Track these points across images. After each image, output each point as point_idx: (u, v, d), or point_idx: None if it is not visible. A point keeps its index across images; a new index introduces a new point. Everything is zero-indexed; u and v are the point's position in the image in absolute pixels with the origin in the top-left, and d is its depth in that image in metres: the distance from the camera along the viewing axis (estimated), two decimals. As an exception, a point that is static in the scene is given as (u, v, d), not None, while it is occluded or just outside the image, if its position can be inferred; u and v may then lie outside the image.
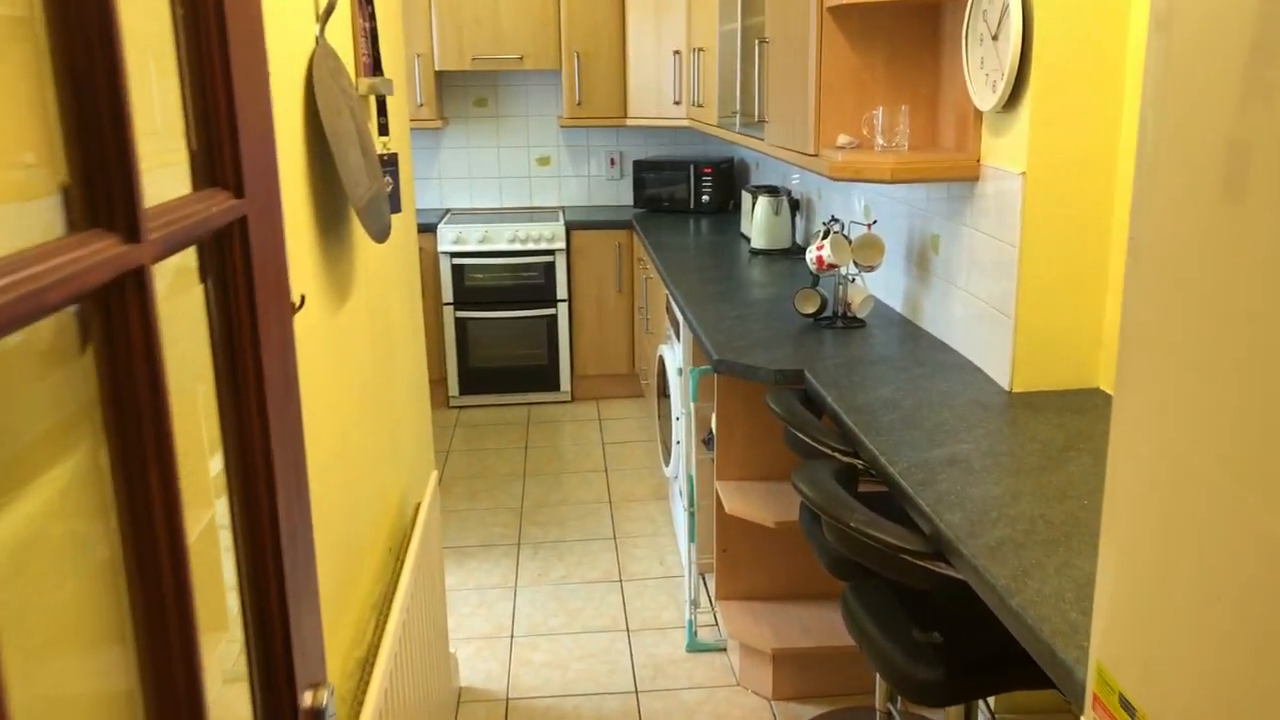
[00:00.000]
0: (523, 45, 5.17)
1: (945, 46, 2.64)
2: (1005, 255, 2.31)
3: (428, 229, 5.10)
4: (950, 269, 2.65)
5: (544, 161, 5.67)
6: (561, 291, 5.21)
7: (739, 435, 2.86)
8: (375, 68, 1.94)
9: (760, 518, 2.67)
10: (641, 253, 4.92)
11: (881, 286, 3.20)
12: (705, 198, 5.33)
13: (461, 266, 5.13)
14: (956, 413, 2.17)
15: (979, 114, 2.44)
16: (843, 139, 2.67)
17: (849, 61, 2.68)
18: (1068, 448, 1.96)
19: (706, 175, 5.31)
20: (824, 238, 2.89)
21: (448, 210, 5.60)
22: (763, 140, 3.35)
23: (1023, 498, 1.74)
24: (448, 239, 5.10)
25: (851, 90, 2.70)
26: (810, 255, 2.90)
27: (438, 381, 5.31)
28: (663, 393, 3.85)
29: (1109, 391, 2.27)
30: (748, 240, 4.47)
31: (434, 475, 2.25)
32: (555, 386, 5.33)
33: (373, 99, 1.97)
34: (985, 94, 2.33)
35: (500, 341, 5.25)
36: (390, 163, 1.99)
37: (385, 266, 2.09)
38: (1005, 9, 2.20)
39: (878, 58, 2.69)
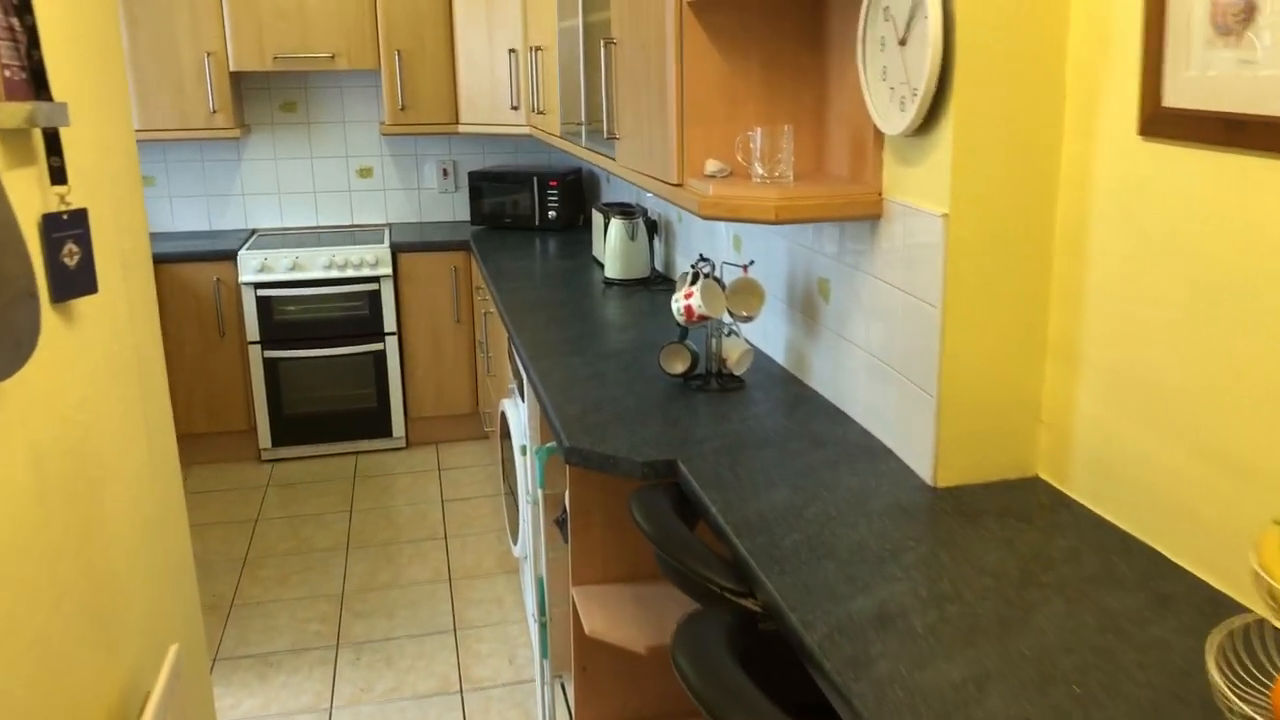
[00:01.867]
0: (334, 42, 4.48)
1: (833, 51, 2.16)
2: (922, 315, 1.84)
3: (227, 256, 4.36)
4: (845, 322, 2.18)
5: (365, 173, 4.99)
6: (390, 323, 4.56)
7: (598, 527, 2.32)
8: (36, 86, 1.30)
9: (628, 640, 2.13)
10: (481, 278, 4.32)
11: (758, 332, 2.71)
12: (552, 213, 4.77)
13: (269, 299, 4.41)
14: (875, 527, 1.69)
15: (880, 136, 1.97)
16: (712, 165, 2.16)
17: (717, 69, 2.17)
18: (1026, 583, 1.50)
19: (552, 189, 4.75)
20: (692, 283, 2.38)
21: (254, 231, 4.86)
22: (614, 160, 2.81)
23: (991, 684, 1.26)
24: (250, 267, 4.37)
25: (720, 104, 2.19)
26: (677, 305, 2.38)
27: (246, 433, 4.57)
28: (508, 456, 3.28)
29: (1051, 482, 1.83)
30: (601, 266, 3.93)
31: (174, 650, 1.63)
32: (386, 432, 4.67)
33: (37, 134, 1.33)
34: (890, 113, 1.85)
35: (320, 383, 4.55)
36: (74, 223, 1.35)
37: (75, 384, 1.45)
38: (917, 6, 1.72)
39: (752, 64, 2.19)
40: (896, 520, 1.71)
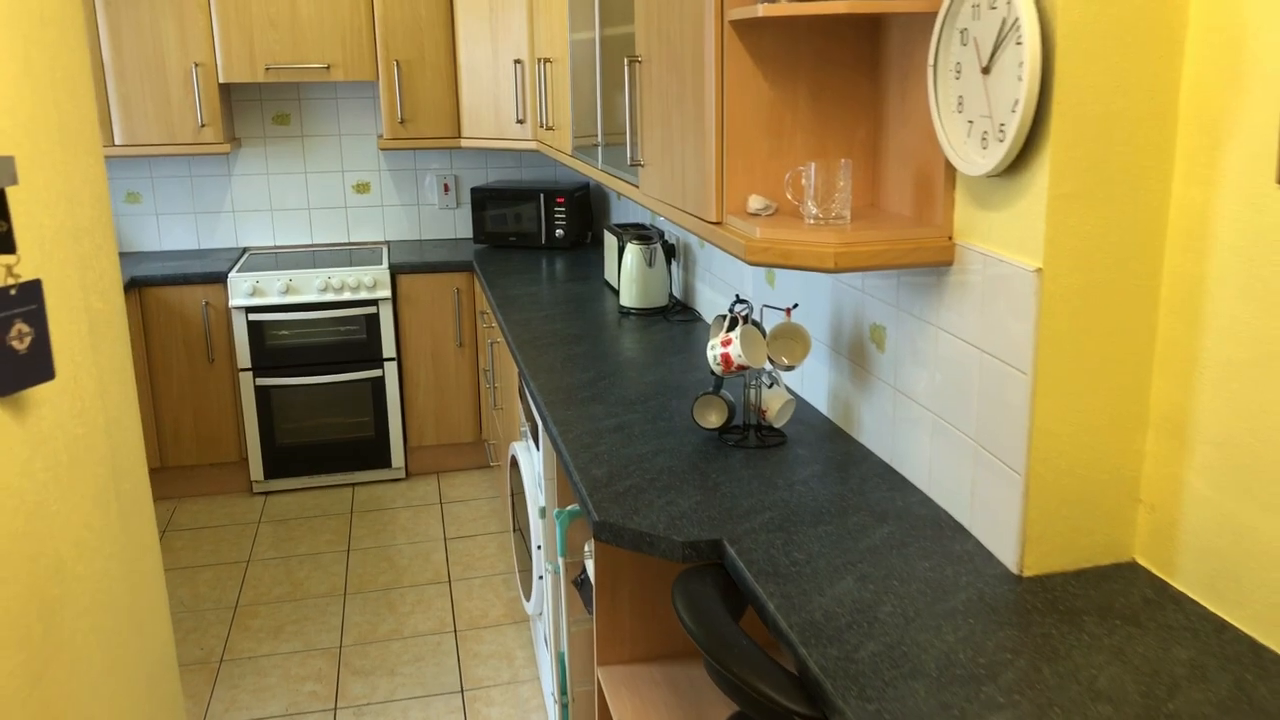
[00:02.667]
0: (329, 52, 4.25)
1: (891, 77, 1.93)
2: (1006, 380, 1.61)
3: (216, 278, 4.12)
4: (904, 375, 1.96)
5: (363, 188, 4.76)
6: (389, 348, 4.32)
7: (626, 602, 2.10)
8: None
9: (663, 733, 1.91)
10: (485, 303, 4.09)
11: (796, 375, 2.49)
12: (559, 232, 4.54)
13: (260, 323, 4.18)
14: (962, 631, 1.46)
15: (951, 172, 1.75)
16: (756, 202, 1.93)
17: (761, 95, 1.95)
18: (1152, 714, 1.28)
19: (559, 206, 4.52)
20: (729, 329, 2.15)
21: (245, 250, 4.62)
22: (637, 188, 2.59)
23: None
24: (241, 290, 4.13)
25: (764, 134, 1.97)
26: (714, 353, 2.15)
27: (237, 464, 4.33)
28: (517, 489, 3.05)
29: (1152, 569, 1.61)
30: (613, 291, 3.71)
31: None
32: (385, 462, 4.44)
33: (-21, 191, 1.10)
34: (969, 150, 1.63)
35: (315, 411, 4.32)
36: (25, 298, 1.12)
37: (28, 491, 1.21)
38: (1010, 27, 1.50)
39: (800, 90, 1.96)
40: (984, 622, 1.49)
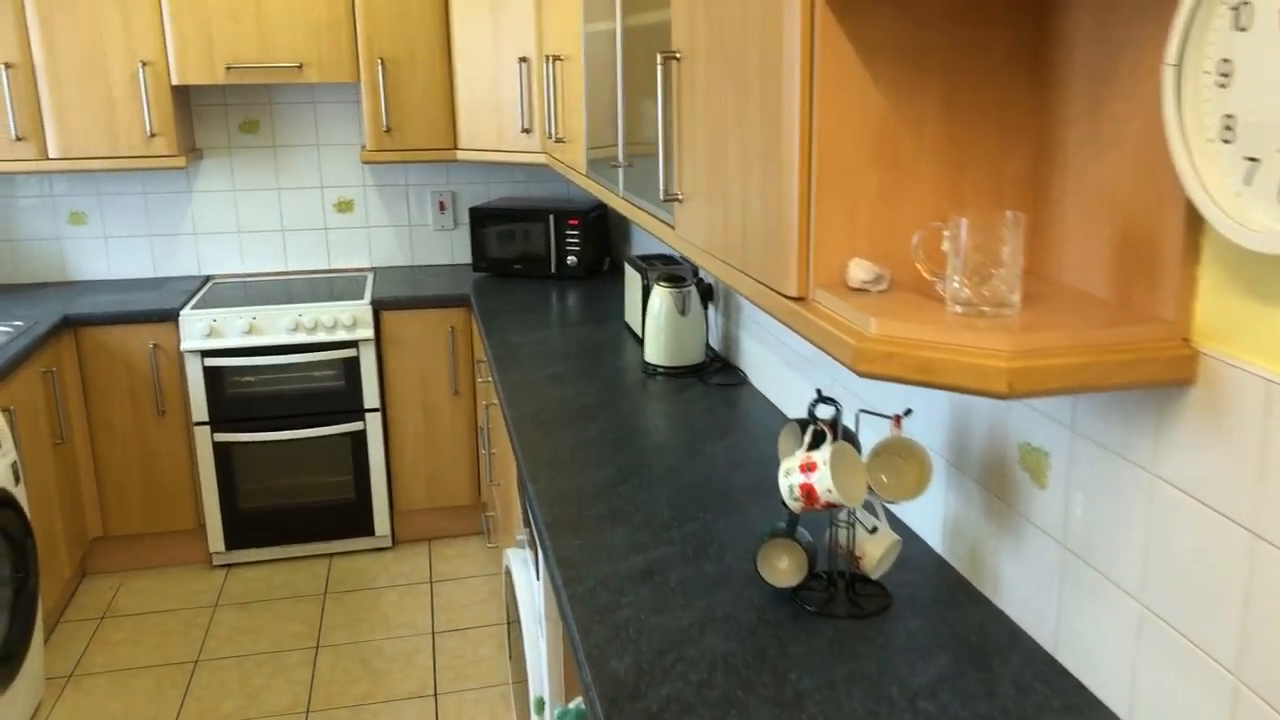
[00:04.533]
0: (301, 49, 3.61)
1: (1072, 78, 1.26)
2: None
3: (166, 317, 3.48)
4: (1085, 533, 1.29)
5: (345, 207, 4.11)
6: (371, 398, 3.68)
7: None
8: None
9: None
10: (483, 350, 3.43)
11: (889, 487, 1.83)
12: (571, 259, 3.88)
13: (219, 370, 3.54)
14: None
15: (1193, 237, 1.08)
16: (862, 270, 1.27)
17: (870, 107, 1.28)
18: None
19: (572, 228, 3.86)
20: (812, 445, 1.49)
21: (208, 279, 3.98)
22: (672, 229, 1.93)
23: None
24: (195, 331, 3.49)
25: (874, 165, 1.30)
26: (789, 483, 1.49)
27: (194, 532, 3.70)
28: (513, 615, 2.39)
29: None
30: (635, 338, 3.05)
31: None
32: (367, 529, 3.79)
33: None
34: (1247, 204, 0.97)
35: (285, 471, 3.68)
36: None
37: None
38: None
39: (929, 100, 1.29)
40: None
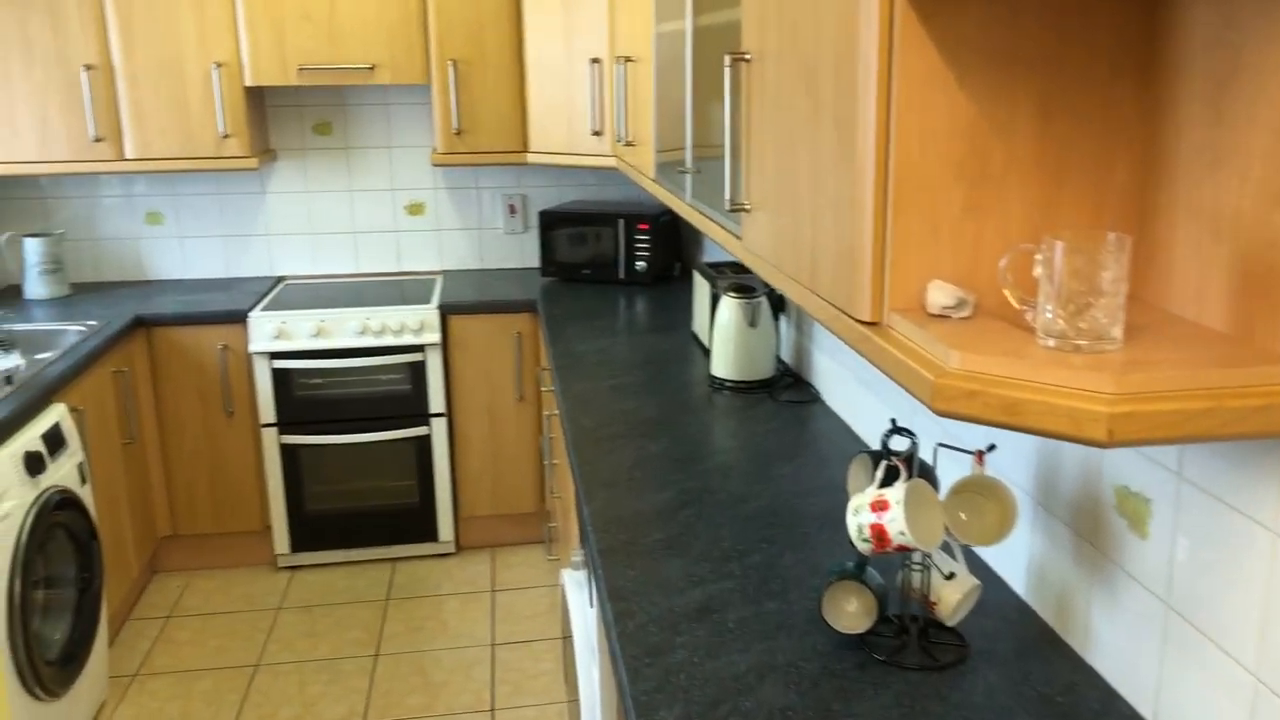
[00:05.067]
0: (374, 51, 3.58)
1: (1190, 81, 1.12)
2: None
3: (236, 319, 3.48)
4: (1193, 593, 1.15)
5: (416, 210, 4.08)
6: (437, 402, 3.63)
7: None
8: None
9: None
10: (547, 358, 3.36)
11: (969, 522, 1.69)
12: (640, 264, 3.79)
13: (287, 372, 3.53)
14: None
15: (1332, 266, 0.94)
16: (942, 293, 1.14)
17: (957, 113, 1.16)
18: None
19: (642, 232, 3.77)
20: (884, 482, 1.37)
21: (280, 280, 3.99)
22: (738, 239, 1.82)
23: None
24: (264, 333, 3.49)
25: (958, 178, 1.18)
26: (858, 522, 1.37)
27: (260, 534, 3.70)
28: (567, 629, 2.30)
29: None
30: (703, 349, 2.94)
31: None
32: (431, 534, 3.75)
33: None
34: None
35: (350, 474, 3.66)
36: None
37: None
38: None
39: (1021, 105, 1.17)
40: None
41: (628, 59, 3.02)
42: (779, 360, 2.72)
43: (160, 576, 3.67)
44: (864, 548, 1.36)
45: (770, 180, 1.57)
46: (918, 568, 1.41)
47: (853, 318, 1.24)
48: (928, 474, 1.40)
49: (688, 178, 2.26)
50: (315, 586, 3.59)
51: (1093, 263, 1.02)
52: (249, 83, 3.54)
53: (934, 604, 1.42)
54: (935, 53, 1.14)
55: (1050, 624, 1.47)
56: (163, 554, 3.70)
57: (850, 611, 1.43)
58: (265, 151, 3.81)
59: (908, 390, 1.08)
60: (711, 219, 2.03)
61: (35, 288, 3.66)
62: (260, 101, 3.83)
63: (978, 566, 1.65)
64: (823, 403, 2.49)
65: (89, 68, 3.42)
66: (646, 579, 1.63)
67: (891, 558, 1.60)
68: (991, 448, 1.37)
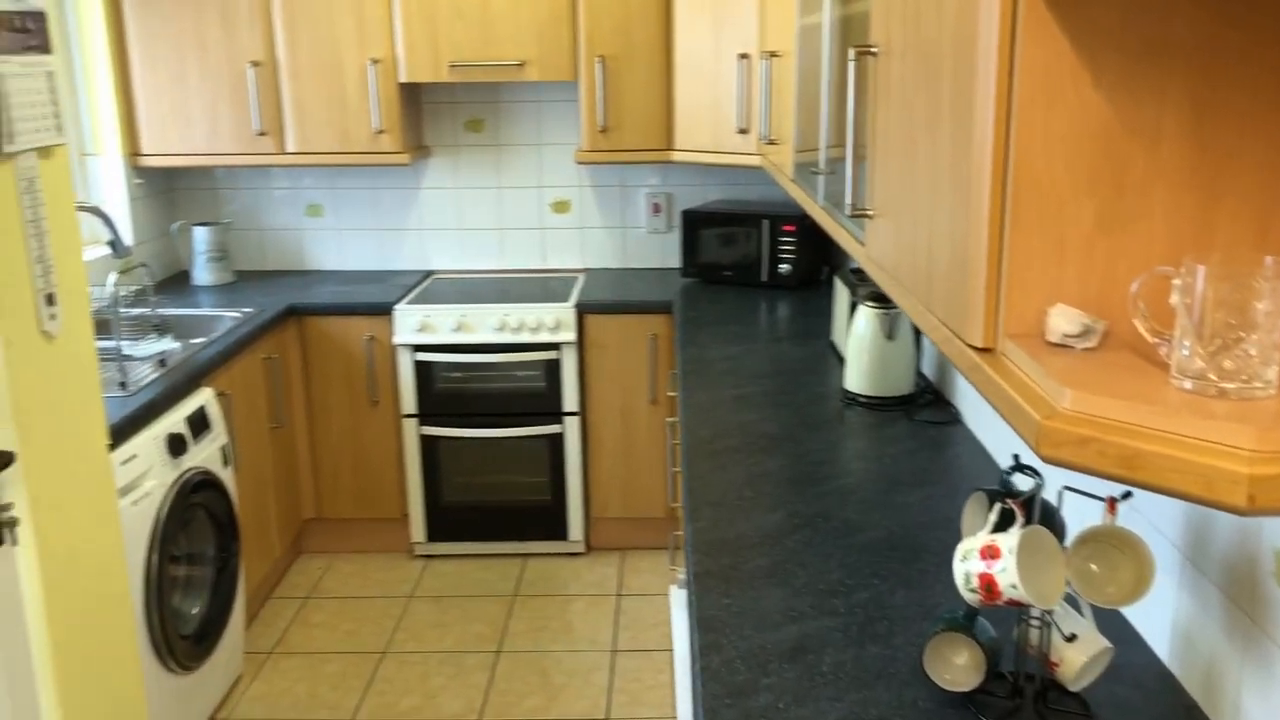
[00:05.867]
0: (524, 48, 3.58)
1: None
2: None
3: (382, 310, 3.56)
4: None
5: (561, 207, 4.08)
6: (571, 401, 3.62)
7: None
8: None
9: None
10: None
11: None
12: (784, 267, 3.66)
13: (428, 364, 3.58)
14: None
15: None
16: (1066, 320, 1.00)
17: (1090, 115, 1.01)
18: None
19: (787, 234, 3.64)
20: (997, 527, 1.22)
21: (429, 274, 4.06)
22: (862, 245, 1.69)
23: None
24: (408, 326, 3.55)
25: (1091, 189, 1.03)
26: (965, 570, 1.23)
27: (398, 521, 3.78)
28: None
29: None
30: (840, 360, 2.80)
31: None
32: (561, 533, 3.74)
33: None
34: None
35: (486, 469, 3.69)
36: None
37: None
38: None
39: (1168, 107, 1.00)
40: None
41: (773, 54, 2.90)
42: (920, 376, 2.55)
43: (305, 557, 3.80)
44: (971, 599, 1.22)
45: (893, 185, 1.44)
46: (1036, 623, 1.25)
47: (962, 340, 1.10)
48: (1051, 519, 1.24)
49: (820, 178, 2.13)
50: (448, 576, 3.64)
51: (1244, 291, 0.85)
52: (402, 79, 3.60)
53: (1055, 665, 1.26)
54: (1066, 44, 0.99)
55: (1195, 698, 1.28)
56: (306, 536, 3.82)
57: (959, 664, 1.29)
58: (419, 147, 3.88)
59: (1015, 430, 0.95)
60: (839, 223, 1.90)
61: (202, 274, 3.85)
62: (416, 99, 3.90)
63: (1113, 624, 1.47)
64: (964, 425, 2.31)
65: (255, 64, 3.56)
66: (741, 609, 1.53)
67: (1006, 610, 1.44)
68: (1127, 495, 1.20)
